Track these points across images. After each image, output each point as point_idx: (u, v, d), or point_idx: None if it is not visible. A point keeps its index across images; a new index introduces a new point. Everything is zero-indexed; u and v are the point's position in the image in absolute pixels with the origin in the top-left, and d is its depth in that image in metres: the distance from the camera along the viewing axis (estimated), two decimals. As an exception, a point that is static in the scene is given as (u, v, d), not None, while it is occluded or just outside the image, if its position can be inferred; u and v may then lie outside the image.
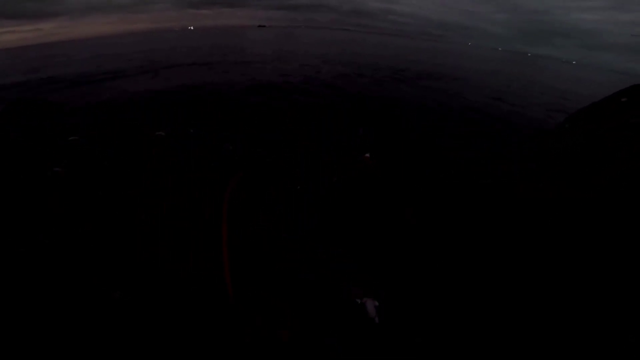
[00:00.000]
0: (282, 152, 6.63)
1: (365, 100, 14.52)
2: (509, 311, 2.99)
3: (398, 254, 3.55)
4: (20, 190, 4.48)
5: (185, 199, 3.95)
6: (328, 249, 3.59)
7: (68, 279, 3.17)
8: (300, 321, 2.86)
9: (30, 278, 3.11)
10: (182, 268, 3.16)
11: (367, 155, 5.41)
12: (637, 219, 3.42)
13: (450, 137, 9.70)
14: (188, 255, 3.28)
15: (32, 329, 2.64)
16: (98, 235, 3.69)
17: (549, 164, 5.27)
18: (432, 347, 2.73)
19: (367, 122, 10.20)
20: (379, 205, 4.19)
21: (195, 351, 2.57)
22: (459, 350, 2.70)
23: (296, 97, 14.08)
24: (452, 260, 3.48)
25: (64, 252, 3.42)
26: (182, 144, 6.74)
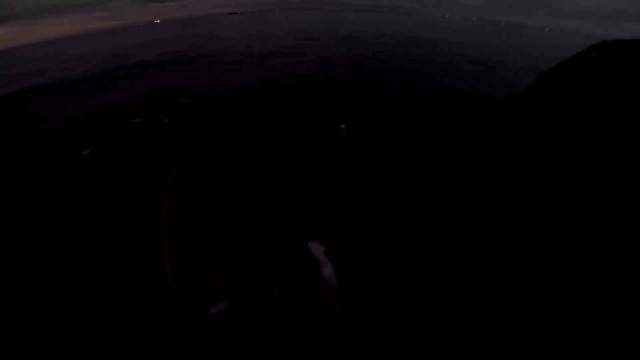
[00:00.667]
0: (263, 136, 6.63)
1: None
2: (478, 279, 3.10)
3: (364, 221, 3.65)
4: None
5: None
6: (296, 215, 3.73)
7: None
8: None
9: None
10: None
11: (342, 126, 5.47)
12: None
13: (424, 104, 9.73)
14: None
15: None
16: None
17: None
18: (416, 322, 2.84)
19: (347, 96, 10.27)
20: (349, 175, 4.25)
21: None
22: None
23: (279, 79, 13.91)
24: (420, 230, 3.60)
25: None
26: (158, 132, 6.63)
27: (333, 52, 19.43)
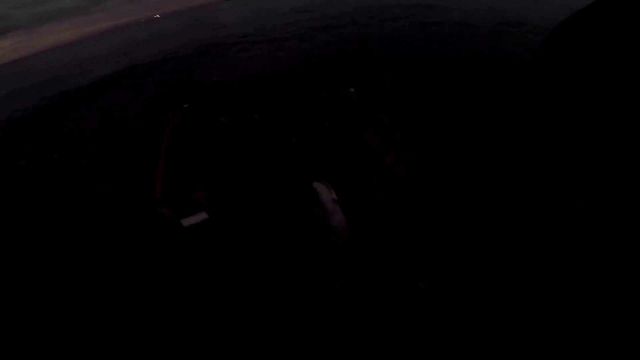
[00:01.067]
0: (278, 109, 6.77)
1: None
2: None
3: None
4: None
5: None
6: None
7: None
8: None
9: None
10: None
11: (352, 89, 5.58)
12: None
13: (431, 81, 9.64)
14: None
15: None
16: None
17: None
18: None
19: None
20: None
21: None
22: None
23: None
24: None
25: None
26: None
27: (338, 36, 18.69)
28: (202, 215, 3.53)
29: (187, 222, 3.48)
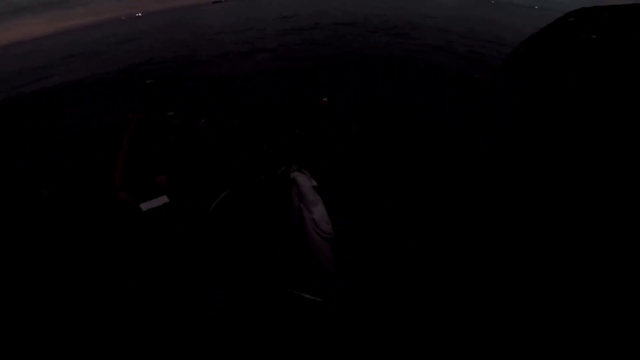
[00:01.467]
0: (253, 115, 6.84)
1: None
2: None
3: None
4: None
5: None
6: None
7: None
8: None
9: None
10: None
11: (325, 99, 5.47)
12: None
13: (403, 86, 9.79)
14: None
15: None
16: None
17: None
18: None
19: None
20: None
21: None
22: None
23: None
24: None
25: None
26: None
27: (324, 46, 19.03)
28: (162, 199, 3.47)
29: (146, 206, 3.45)
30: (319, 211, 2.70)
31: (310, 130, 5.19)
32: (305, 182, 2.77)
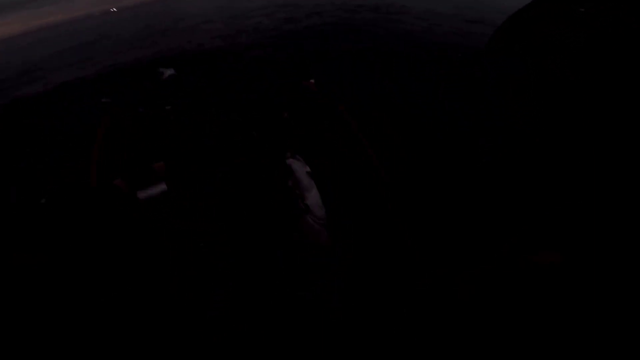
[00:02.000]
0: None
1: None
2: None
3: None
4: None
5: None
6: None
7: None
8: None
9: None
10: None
11: (312, 80, 5.29)
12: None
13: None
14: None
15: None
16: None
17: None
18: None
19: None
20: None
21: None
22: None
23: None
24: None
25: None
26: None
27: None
28: (161, 187, 3.34)
29: (144, 194, 3.28)
30: (313, 197, 2.69)
31: (299, 113, 5.04)
32: (299, 167, 2.76)
